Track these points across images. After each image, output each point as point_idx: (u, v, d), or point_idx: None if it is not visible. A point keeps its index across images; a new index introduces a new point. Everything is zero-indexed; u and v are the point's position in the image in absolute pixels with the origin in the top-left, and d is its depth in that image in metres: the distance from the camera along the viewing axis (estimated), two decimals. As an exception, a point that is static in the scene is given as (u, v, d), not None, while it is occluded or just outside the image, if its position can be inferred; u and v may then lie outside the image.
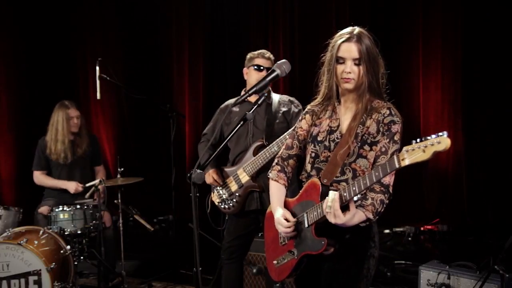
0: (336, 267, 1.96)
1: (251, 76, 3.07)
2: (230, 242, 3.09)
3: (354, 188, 1.76)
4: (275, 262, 2.12)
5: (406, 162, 1.59)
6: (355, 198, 1.86)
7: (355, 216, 1.81)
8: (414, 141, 1.58)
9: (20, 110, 6.17)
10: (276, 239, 2.11)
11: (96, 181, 3.88)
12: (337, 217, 1.76)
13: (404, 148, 1.60)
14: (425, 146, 1.54)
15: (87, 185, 3.93)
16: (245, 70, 3.14)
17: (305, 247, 1.96)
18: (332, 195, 1.78)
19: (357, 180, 1.76)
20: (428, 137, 1.55)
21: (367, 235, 1.97)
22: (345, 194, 1.79)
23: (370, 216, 1.85)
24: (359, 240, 1.95)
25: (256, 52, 3.11)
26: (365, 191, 1.81)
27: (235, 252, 3.09)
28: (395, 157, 1.63)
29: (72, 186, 4.01)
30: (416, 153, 1.56)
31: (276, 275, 2.13)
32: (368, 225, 1.95)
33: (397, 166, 1.62)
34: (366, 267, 1.95)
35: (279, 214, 2.02)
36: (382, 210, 1.88)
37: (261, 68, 3.03)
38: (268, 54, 3.10)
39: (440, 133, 1.53)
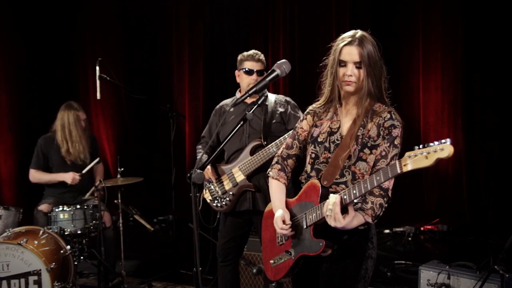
0: (334, 268, 1.97)
1: (242, 80, 2.99)
2: (224, 245, 3.05)
3: (354, 191, 1.77)
4: (271, 261, 2.12)
5: (409, 167, 1.60)
6: (355, 201, 1.87)
7: (354, 219, 1.82)
8: (416, 147, 1.59)
9: (20, 110, 6.16)
10: (274, 238, 2.12)
11: (93, 163, 4.03)
12: (337, 221, 1.77)
13: (407, 154, 1.61)
14: (428, 153, 1.55)
15: (84, 171, 3.99)
16: (236, 72, 3.06)
17: (302, 248, 1.97)
18: (333, 198, 1.78)
19: (357, 183, 1.77)
20: (431, 144, 1.56)
21: (365, 237, 1.98)
22: (345, 197, 1.80)
23: (369, 220, 1.87)
24: (357, 241, 1.96)
25: (246, 54, 3.00)
26: (365, 194, 1.82)
27: (230, 254, 3.06)
28: (397, 162, 1.64)
29: (69, 176, 3.99)
30: (418, 159, 1.57)
31: (272, 274, 2.14)
32: (366, 227, 1.96)
33: (399, 171, 1.63)
34: (364, 268, 1.96)
35: (279, 214, 2.03)
36: (381, 214, 1.89)
37: (252, 71, 2.95)
38: (258, 55, 2.99)
39: (443, 140, 1.53)
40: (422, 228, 5.62)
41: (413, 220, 5.68)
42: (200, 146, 3.25)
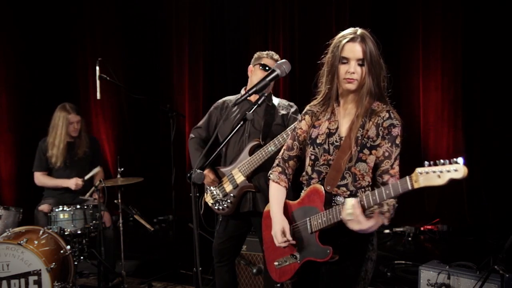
0: (334, 269, 1.96)
1: (256, 75, 3.00)
2: (221, 244, 3.03)
3: (374, 198, 1.75)
4: (276, 263, 2.11)
5: (421, 184, 1.59)
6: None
7: (376, 224, 1.80)
8: (426, 163, 1.57)
9: (20, 110, 6.17)
10: None
11: (95, 170, 3.97)
12: (360, 223, 1.75)
13: (417, 170, 1.59)
14: (441, 172, 1.54)
15: (86, 177, 3.98)
16: (250, 67, 3.07)
17: (308, 253, 1.97)
18: (350, 201, 1.76)
19: (372, 194, 1.75)
20: (442, 161, 1.54)
21: (366, 239, 1.97)
22: (363, 202, 1.78)
23: (386, 222, 1.84)
24: (358, 243, 1.95)
25: (265, 52, 3.05)
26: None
27: (225, 254, 3.04)
28: (407, 178, 1.63)
29: (72, 183, 4.01)
30: (431, 177, 1.56)
31: (277, 276, 2.13)
32: None
33: (409, 188, 1.63)
34: (364, 270, 1.96)
35: (277, 227, 2.02)
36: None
37: (267, 68, 2.95)
38: (276, 56, 3.04)
39: (455, 159, 1.52)
40: (422, 228, 5.62)
41: (413, 220, 5.68)
42: (192, 142, 3.16)
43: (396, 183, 1.68)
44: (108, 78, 4.03)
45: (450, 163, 1.53)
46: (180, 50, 6.84)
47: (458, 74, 5.65)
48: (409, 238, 5.43)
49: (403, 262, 4.39)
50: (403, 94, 5.77)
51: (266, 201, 2.85)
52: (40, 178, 4.11)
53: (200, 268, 2.04)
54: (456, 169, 1.51)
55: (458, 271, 3.08)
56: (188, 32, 6.78)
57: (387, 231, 5.60)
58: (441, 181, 1.53)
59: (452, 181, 1.53)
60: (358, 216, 1.74)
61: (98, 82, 3.95)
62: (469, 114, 5.66)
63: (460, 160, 1.51)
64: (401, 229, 5.59)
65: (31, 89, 6.26)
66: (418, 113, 5.83)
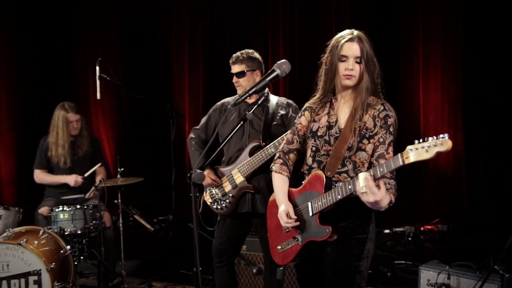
0: (339, 248, 2.08)
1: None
2: (220, 245, 3.02)
3: (381, 169, 1.83)
4: (279, 247, 2.22)
5: (411, 159, 1.71)
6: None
7: (386, 197, 1.88)
8: (416, 141, 1.70)
9: (20, 110, 6.17)
10: (280, 226, 2.19)
11: (95, 167, 3.99)
12: (375, 194, 1.81)
13: (408, 147, 1.73)
14: (428, 146, 1.67)
15: (86, 174, 3.98)
16: None
17: (309, 234, 2.08)
18: (363, 175, 1.83)
19: (379, 166, 1.85)
20: (430, 138, 1.66)
21: (367, 220, 2.10)
22: (373, 173, 1.85)
23: (393, 199, 1.95)
24: (360, 225, 2.09)
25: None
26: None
27: (225, 254, 3.03)
28: (399, 155, 1.76)
29: (71, 179, 4.00)
30: (419, 152, 1.69)
31: (280, 259, 2.24)
32: (368, 211, 2.05)
33: (401, 163, 1.75)
34: (367, 248, 2.09)
35: (282, 209, 2.13)
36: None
37: (232, 74, 2.99)
38: (233, 58, 2.99)
39: (442, 135, 1.64)
40: (422, 228, 5.62)
41: (413, 220, 5.68)
42: (191, 142, 3.18)
43: (389, 161, 1.81)
44: (108, 78, 4.03)
45: (437, 139, 1.66)
46: (180, 50, 6.84)
47: (458, 75, 5.66)
48: (409, 238, 5.43)
49: (403, 262, 4.39)
50: (403, 94, 5.76)
51: (265, 202, 2.87)
52: (40, 176, 4.11)
53: (200, 268, 2.05)
54: (441, 143, 1.64)
55: (458, 271, 3.08)
56: (188, 32, 6.79)
57: (387, 231, 5.61)
58: (429, 154, 1.66)
59: (439, 154, 1.65)
60: (372, 188, 1.81)
61: (98, 82, 3.95)
62: (469, 114, 5.67)
63: (446, 135, 1.64)
64: (401, 229, 5.59)
65: (31, 89, 6.25)
66: (418, 113, 5.84)
